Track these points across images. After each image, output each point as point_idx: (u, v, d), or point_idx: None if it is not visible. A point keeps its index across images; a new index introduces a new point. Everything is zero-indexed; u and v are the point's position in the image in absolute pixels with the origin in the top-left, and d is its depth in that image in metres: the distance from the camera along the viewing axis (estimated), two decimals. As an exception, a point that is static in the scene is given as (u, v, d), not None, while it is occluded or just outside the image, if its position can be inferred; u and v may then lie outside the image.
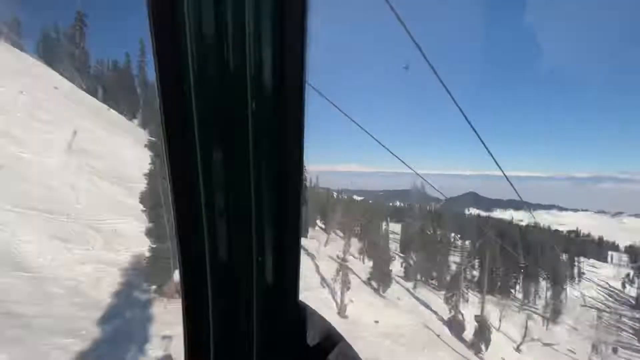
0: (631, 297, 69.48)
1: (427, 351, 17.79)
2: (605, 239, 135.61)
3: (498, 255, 43.70)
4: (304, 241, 30.45)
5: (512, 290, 48.11)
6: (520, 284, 49.53)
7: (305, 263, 21.69)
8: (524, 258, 51.31)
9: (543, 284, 49.06)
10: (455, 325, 25.92)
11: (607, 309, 52.44)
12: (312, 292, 17.91)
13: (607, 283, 79.39)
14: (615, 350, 34.40)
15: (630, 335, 44.97)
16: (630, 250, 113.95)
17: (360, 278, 25.66)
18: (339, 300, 18.05)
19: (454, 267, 38.18)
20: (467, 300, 32.86)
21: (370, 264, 34.42)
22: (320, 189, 65.86)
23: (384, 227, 51.70)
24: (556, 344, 33.41)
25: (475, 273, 44.00)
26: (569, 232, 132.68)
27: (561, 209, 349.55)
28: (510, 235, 60.56)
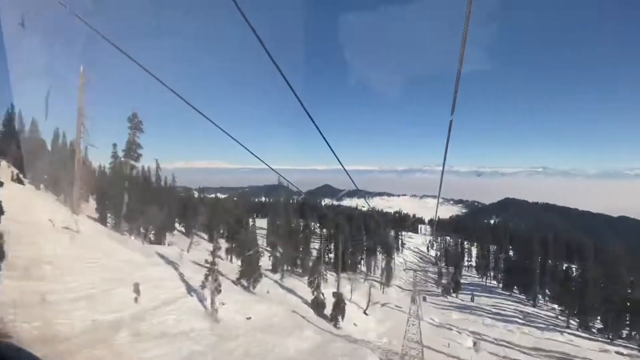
0: (432, 256, 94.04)
1: (295, 334, 19.37)
2: (417, 215, 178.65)
3: (348, 237, 51.00)
4: (162, 250, 27.28)
5: (359, 266, 57.12)
6: (364, 259, 59.38)
7: (167, 273, 19.62)
8: (365, 237, 61.73)
9: (380, 257, 60.41)
10: (317, 305, 29.09)
11: (419, 268, 69.52)
12: (176, 303, 16.52)
13: (418, 249, 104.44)
14: (424, 299, 46.32)
15: (432, 284, 61.15)
16: (430, 222, 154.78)
17: (229, 279, 25.22)
18: (208, 306, 17.33)
19: (314, 253, 42.35)
20: (326, 281, 37.21)
21: (239, 263, 34.17)
22: (178, 188, 59.84)
23: (250, 223, 51.79)
24: (389, 302, 42.14)
25: (332, 255, 49.91)
26: (395, 212, 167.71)
27: (390, 194, 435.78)
28: (356, 219, 71.53)
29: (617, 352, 29.92)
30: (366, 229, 75.93)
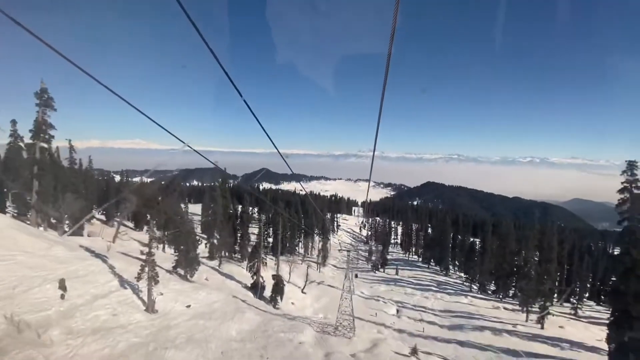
0: (364, 236, 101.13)
1: (236, 317, 20.07)
2: (351, 198, 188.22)
3: (286, 221, 52.25)
4: (85, 242, 25.00)
5: (297, 248, 59.17)
6: (302, 241, 61.59)
7: (95, 267, 18.31)
8: (303, 220, 63.83)
9: (316, 238, 63.23)
10: (257, 288, 29.98)
11: (352, 248, 74.59)
12: (110, 297, 15.83)
13: (352, 229, 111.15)
14: (356, 275, 50.44)
15: (363, 261, 66.42)
16: (363, 204, 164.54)
17: (164, 269, 24.43)
18: (145, 297, 16.97)
19: (253, 238, 42.75)
20: (265, 265, 38.12)
21: (172, 251, 32.94)
22: (95, 171, 53.97)
23: (183, 208, 49.54)
24: (325, 281, 45.02)
25: (270, 240, 50.78)
26: (331, 196, 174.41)
27: (326, 178, 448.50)
28: (294, 203, 73.10)
29: (505, 308, 37.29)
30: (304, 212, 78.37)
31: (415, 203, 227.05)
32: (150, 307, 16.22)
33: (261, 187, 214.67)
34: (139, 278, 16.15)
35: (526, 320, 32.23)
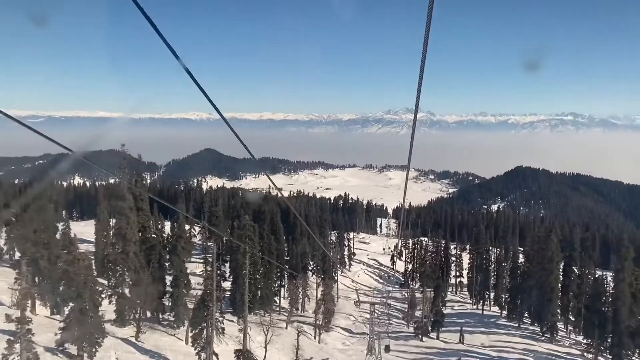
0: (399, 273, 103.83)
1: None
2: (374, 202, 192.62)
3: (255, 248, 53.78)
4: None
5: (277, 298, 60.85)
6: (285, 286, 63.27)
7: None
8: (285, 247, 65.55)
9: (312, 280, 64.82)
10: None
11: (379, 293, 76.36)
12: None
13: (377, 260, 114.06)
14: (388, 347, 52.24)
15: (398, 319, 68.58)
16: (396, 212, 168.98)
17: (43, 346, 25.55)
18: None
19: (196, 282, 43.94)
20: (222, 332, 39.61)
21: (47, 311, 34.08)
22: None
23: (61, 230, 51.10)
24: (328, 358, 46.61)
25: (228, 285, 52.36)
26: (337, 197, 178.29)
27: (327, 165, 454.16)
28: (268, 215, 75.16)
29: None
30: (289, 230, 79.70)
31: (495, 207, 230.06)
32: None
33: (205, 184, 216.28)
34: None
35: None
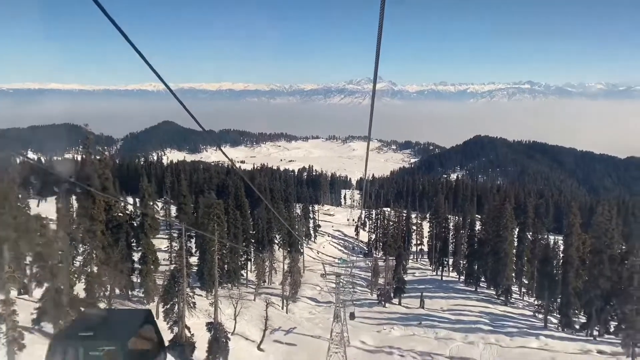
0: (363, 242, 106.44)
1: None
2: (337, 173, 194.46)
3: (221, 223, 54.85)
4: None
5: (244, 272, 62.14)
6: (252, 259, 64.73)
7: None
8: (251, 221, 66.85)
9: (279, 252, 66.40)
10: (182, 349, 32.67)
11: (344, 263, 78.72)
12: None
13: (341, 231, 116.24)
14: (353, 315, 54.49)
15: (363, 288, 71.11)
16: (359, 183, 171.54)
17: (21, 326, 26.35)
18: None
19: (163, 258, 44.83)
20: (192, 306, 40.86)
21: (18, 292, 34.60)
22: None
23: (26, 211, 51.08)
24: (296, 327, 48.56)
25: (195, 260, 53.55)
26: (301, 169, 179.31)
27: (290, 137, 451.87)
28: (232, 189, 75.89)
29: (599, 352, 42.69)
30: (252, 205, 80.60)
31: (454, 177, 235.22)
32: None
33: (165, 159, 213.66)
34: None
35: (632, 370, 37.37)
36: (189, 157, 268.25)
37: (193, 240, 64.23)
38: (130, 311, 9.55)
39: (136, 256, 46.50)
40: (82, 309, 15.36)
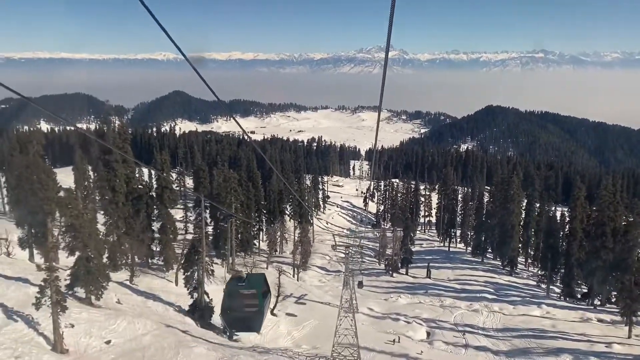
0: (371, 213, 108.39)
1: (181, 355, 25.18)
2: (347, 144, 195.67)
3: (235, 194, 56.98)
4: None
5: (256, 242, 64.42)
6: (264, 229, 66.85)
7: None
8: (263, 191, 68.83)
9: (290, 223, 68.52)
10: (202, 312, 35.13)
11: (353, 234, 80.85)
12: (-6, 334, 20.15)
13: (350, 202, 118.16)
14: (361, 283, 56.72)
15: (371, 258, 73.43)
16: (368, 154, 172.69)
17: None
18: (46, 333, 21.54)
19: (182, 228, 46.97)
20: (211, 274, 43.22)
21: (39, 256, 37.00)
22: None
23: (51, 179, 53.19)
24: (306, 294, 50.90)
25: (209, 230, 55.80)
26: (310, 140, 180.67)
27: (299, 107, 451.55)
28: (244, 160, 77.85)
29: (598, 320, 44.65)
30: (264, 176, 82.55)
31: (465, 147, 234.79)
32: (58, 344, 20.82)
33: (177, 130, 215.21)
34: (37, 305, 20.45)
35: (629, 337, 39.17)
36: (200, 128, 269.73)
37: (208, 211, 66.34)
38: (258, 274, 19.71)
39: (155, 226, 48.68)
40: (235, 271, 19.65)
